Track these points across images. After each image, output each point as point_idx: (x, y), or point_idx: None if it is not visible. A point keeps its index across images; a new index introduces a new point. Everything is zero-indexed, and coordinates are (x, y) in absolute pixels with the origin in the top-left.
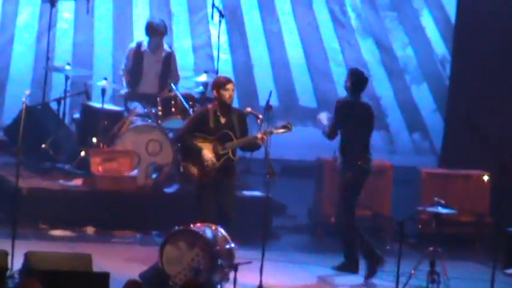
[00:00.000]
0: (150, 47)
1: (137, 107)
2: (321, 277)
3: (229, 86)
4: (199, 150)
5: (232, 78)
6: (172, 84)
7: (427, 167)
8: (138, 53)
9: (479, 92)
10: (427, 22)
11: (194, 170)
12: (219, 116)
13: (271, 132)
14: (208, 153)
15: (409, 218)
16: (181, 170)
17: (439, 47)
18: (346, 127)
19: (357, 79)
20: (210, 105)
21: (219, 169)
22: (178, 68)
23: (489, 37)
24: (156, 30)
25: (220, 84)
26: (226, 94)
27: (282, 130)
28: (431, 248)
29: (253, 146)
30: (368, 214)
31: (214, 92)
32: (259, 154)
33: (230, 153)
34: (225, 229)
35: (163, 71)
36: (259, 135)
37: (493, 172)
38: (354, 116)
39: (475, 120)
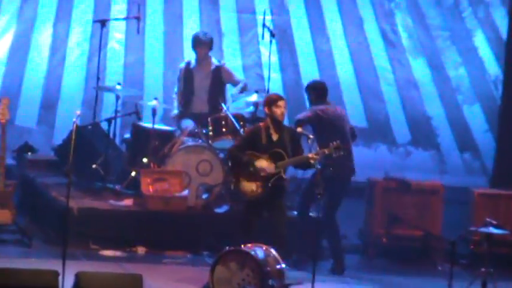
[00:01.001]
0: (198, 60)
1: (188, 127)
2: None
3: (281, 103)
4: (251, 164)
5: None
6: (223, 104)
7: (477, 187)
8: (187, 72)
9: None
10: (480, 42)
11: (247, 187)
12: (271, 133)
13: (323, 153)
14: (263, 163)
15: (460, 239)
16: (232, 187)
17: (492, 67)
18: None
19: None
20: (261, 123)
21: (270, 188)
22: (235, 76)
23: None
24: (202, 42)
25: (272, 101)
26: (278, 111)
27: (334, 151)
28: (483, 269)
29: (305, 165)
30: (419, 234)
31: (266, 109)
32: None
33: (282, 172)
34: (277, 249)
35: (213, 85)
36: (311, 155)
37: None
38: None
39: None
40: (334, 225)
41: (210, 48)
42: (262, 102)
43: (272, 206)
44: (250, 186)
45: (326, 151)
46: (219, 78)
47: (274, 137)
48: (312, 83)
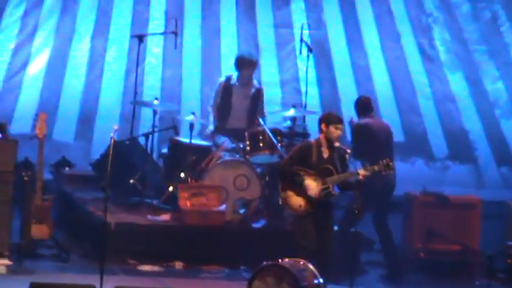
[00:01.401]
0: (240, 80)
1: (225, 142)
2: None
3: (340, 126)
4: (301, 181)
5: (320, 112)
6: (260, 119)
7: None
8: (227, 87)
9: None
10: None
11: (295, 202)
12: (322, 150)
13: (373, 169)
14: (312, 183)
15: (498, 253)
16: (280, 201)
17: None
18: None
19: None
20: (313, 140)
21: (319, 204)
22: (265, 104)
23: None
24: (248, 62)
25: (331, 120)
26: (335, 132)
27: (383, 168)
28: None
29: (353, 183)
30: (457, 249)
31: (323, 126)
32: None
33: (330, 188)
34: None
35: (252, 106)
36: (361, 171)
37: None
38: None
39: None
40: (386, 232)
41: (255, 68)
42: (320, 118)
43: (321, 222)
44: (298, 202)
45: (376, 168)
46: (258, 100)
47: (325, 154)
48: (357, 98)
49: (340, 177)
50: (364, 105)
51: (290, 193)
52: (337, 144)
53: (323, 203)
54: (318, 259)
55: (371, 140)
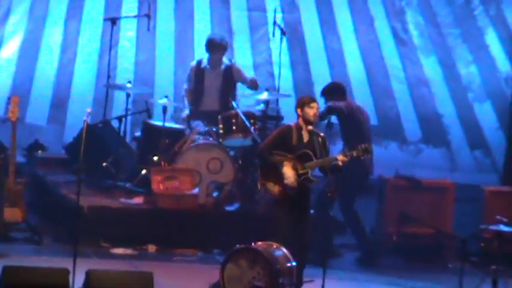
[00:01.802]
0: (211, 63)
1: (199, 125)
2: None
3: (314, 105)
4: (280, 167)
5: (294, 96)
6: (233, 102)
7: (488, 185)
8: (199, 71)
9: None
10: (492, 40)
11: (273, 187)
12: (302, 134)
13: (351, 155)
14: (289, 171)
15: (471, 237)
16: (259, 186)
17: (504, 65)
18: None
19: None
20: (293, 124)
21: (298, 190)
22: (238, 87)
23: None
24: (218, 46)
25: (304, 102)
26: (310, 112)
27: (362, 153)
28: (493, 267)
29: (332, 167)
30: (430, 232)
31: (298, 110)
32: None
33: (309, 174)
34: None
35: (224, 84)
36: (339, 157)
37: None
38: None
39: None
40: (355, 215)
41: (225, 52)
42: (295, 105)
43: (298, 207)
44: (276, 187)
45: (355, 153)
46: (230, 77)
47: (305, 138)
48: (328, 87)
49: (318, 162)
50: (342, 90)
51: (268, 178)
52: (309, 127)
53: (301, 187)
54: (295, 243)
55: (355, 124)
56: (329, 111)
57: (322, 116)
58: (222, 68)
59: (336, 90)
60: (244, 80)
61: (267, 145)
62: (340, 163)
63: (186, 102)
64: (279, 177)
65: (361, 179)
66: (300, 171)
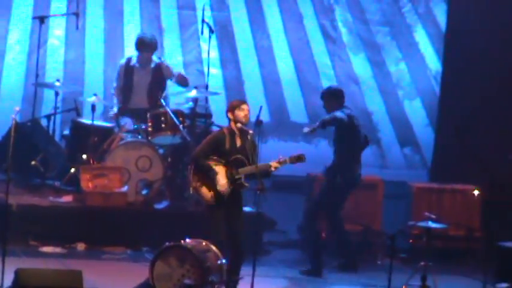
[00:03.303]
0: (140, 61)
1: (127, 123)
2: None
3: (244, 107)
4: (213, 175)
5: (224, 94)
6: (162, 100)
7: (418, 182)
8: (128, 69)
9: (469, 106)
10: (421, 37)
11: (206, 193)
12: (235, 139)
13: (285, 162)
14: (222, 178)
15: (400, 233)
16: (191, 191)
17: (433, 62)
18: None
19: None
20: (225, 129)
21: (230, 194)
22: (168, 85)
23: (479, 52)
24: (148, 45)
25: (234, 106)
26: (241, 113)
27: (296, 161)
28: (422, 263)
29: (264, 173)
30: (359, 229)
31: (229, 114)
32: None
33: (242, 180)
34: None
35: (153, 82)
36: (273, 164)
37: (483, 186)
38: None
39: (465, 135)
40: (339, 223)
41: (155, 51)
42: (226, 110)
43: (232, 213)
44: (209, 192)
45: (288, 160)
46: (160, 75)
47: (238, 142)
48: (333, 90)
49: (252, 169)
50: (339, 95)
51: (201, 183)
52: (238, 125)
53: (234, 193)
54: (229, 244)
55: (353, 135)
56: (331, 122)
57: (323, 126)
58: (151, 66)
59: (332, 95)
60: (173, 76)
61: (201, 151)
62: (273, 169)
63: (115, 101)
64: (213, 183)
65: (349, 188)
66: (234, 177)
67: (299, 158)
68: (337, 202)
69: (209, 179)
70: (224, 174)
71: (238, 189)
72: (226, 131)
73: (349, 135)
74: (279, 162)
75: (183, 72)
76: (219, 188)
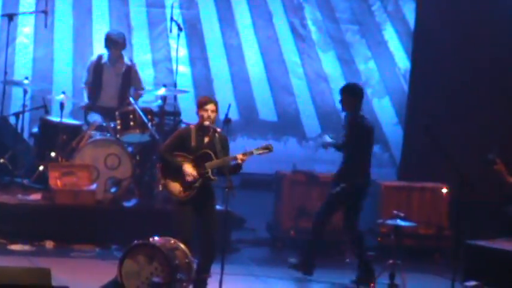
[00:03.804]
0: (110, 59)
1: (96, 121)
2: None
3: (209, 107)
4: (180, 166)
5: (193, 92)
6: (131, 98)
7: (387, 180)
8: (98, 66)
9: (438, 105)
10: (390, 36)
11: (174, 187)
12: (202, 135)
13: (251, 153)
14: (189, 168)
15: (368, 231)
16: (160, 188)
17: (402, 60)
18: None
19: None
20: (192, 125)
21: (199, 190)
22: (141, 80)
23: (448, 50)
24: (115, 42)
25: (199, 104)
26: (204, 114)
27: (262, 151)
28: (390, 261)
29: (233, 168)
30: (328, 227)
31: (198, 111)
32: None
33: (210, 173)
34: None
35: (123, 84)
36: (239, 156)
37: (452, 184)
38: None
39: (434, 133)
40: (356, 235)
41: (123, 48)
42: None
43: (202, 208)
44: (178, 187)
45: (255, 152)
46: (129, 78)
47: (205, 139)
48: (356, 87)
49: (219, 162)
50: (357, 91)
51: (170, 179)
52: (206, 122)
53: (203, 188)
54: (201, 243)
55: (368, 139)
56: (352, 128)
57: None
58: (123, 68)
59: (356, 95)
60: (136, 86)
61: (167, 146)
62: (240, 161)
63: (85, 96)
64: (180, 178)
65: (357, 198)
66: (201, 171)
67: (266, 148)
68: (355, 210)
69: (177, 173)
70: (191, 167)
71: (206, 185)
72: (193, 127)
73: (364, 139)
74: (245, 154)
75: (143, 92)
76: (187, 177)
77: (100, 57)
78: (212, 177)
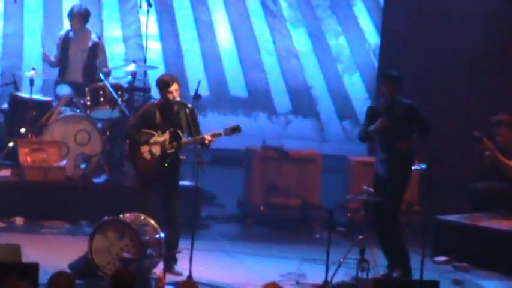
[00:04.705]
0: (74, 32)
1: (65, 95)
2: (250, 266)
3: (173, 88)
4: (144, 142)
5: (163, 68)
6: (101, 74)
7: (357, 155)
8: (65, 40)
9: (407, 80)
10: (360, 11)
11: (141, 165)
12: (165, 111)
13: (219, 134)
14: (156, 148)
15: (338, 207)
16: (127, 166)
17: (372, 36)
18: None
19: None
20: (156, 101)
21: (166, 168)
22: (108, 58)
23: (417, 25)
24: (77, 14)
25: (162, 84)
26: (169, 96)
27: (231, 132)
28: (360, 237)
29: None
30: (297, 203)
31: (159, 91)
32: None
33: (177, 153)
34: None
35: (88, 60)
36: (207, 137)
37: (421, 160)
38: None
39: None
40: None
41: (85, 22)
42: (155, 83)
43: (168, 186)
44: (145, 165)
45: (223, 133)
46: (95, 55)
47: (170, 115)
48: (399, 75)
49: (186, 142)
50: (396, 79)
51: (137, 156)
52: (178, 99)
53: (170, 167)
54: (166, 217)
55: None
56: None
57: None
58: (89, 44)
59: (399, 83)
60: (102, 64)
61: (133, 124)
62: (207, 142)
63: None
64: (146, 153)
65: (408, 175)
66: (168, 151)
67: (234, 129)
68: (397, 197)
69: (143, 150)
70: (158, 146)
71: (173, 164)
72: (157, 103)
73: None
74: (213, 135)
75: (110, 69)
76: (154, 152)
77: (68, 32)
78: (180, 157)
